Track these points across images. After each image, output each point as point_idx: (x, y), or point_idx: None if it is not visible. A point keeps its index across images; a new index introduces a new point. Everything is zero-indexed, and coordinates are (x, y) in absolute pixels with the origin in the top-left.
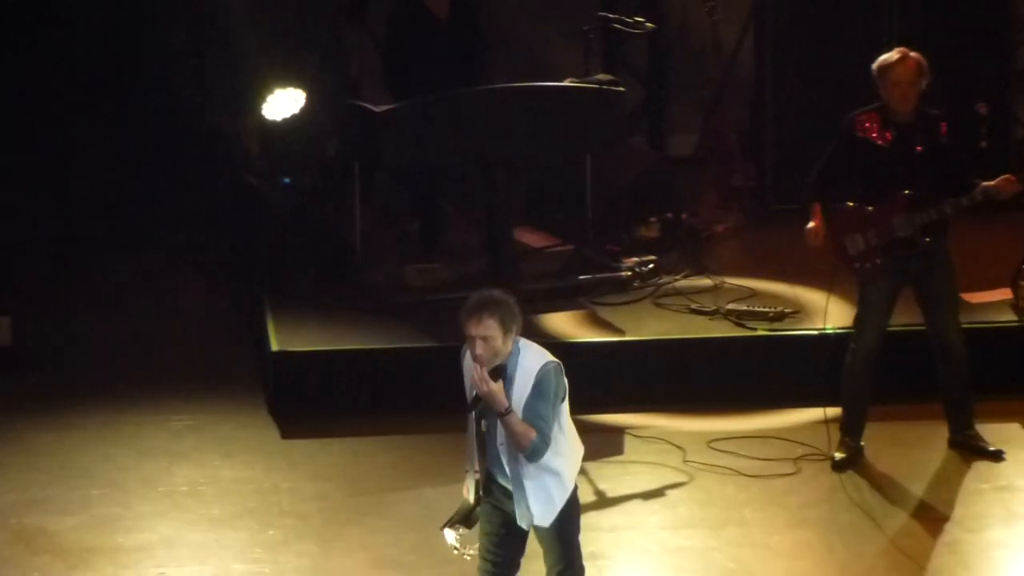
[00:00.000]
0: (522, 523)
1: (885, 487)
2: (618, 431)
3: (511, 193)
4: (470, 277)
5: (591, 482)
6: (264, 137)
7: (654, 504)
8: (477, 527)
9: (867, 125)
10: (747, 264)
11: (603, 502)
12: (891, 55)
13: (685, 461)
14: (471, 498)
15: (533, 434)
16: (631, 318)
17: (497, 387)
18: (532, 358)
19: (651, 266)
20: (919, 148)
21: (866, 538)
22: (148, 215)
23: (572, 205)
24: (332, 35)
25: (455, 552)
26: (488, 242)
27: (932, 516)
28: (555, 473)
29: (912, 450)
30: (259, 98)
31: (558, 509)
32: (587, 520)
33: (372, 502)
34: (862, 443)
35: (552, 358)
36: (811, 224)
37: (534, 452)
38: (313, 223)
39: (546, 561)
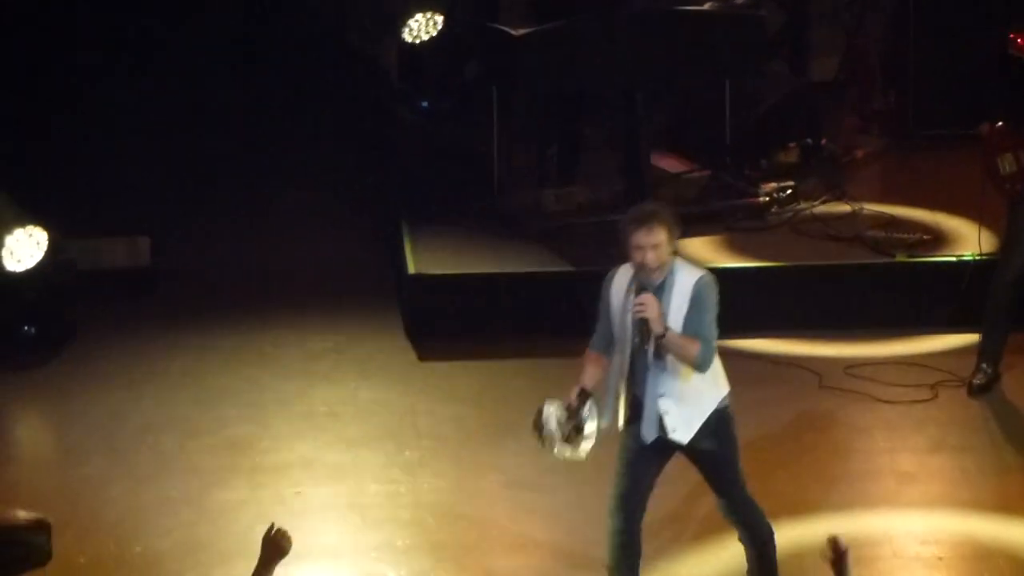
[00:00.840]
0: (676, 436)
1: (1020, 414)
2: (755, 357)
3: (651, 117)
4: (608, 202)
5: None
6: (404, 60)
7: (787, 430)
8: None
9: (1022, 43)
10: (887, 190)
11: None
12: None
13: (821, 386)
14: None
15: (697, 346)
16: (769, 244)
17: (658, 310)
18: (687, 273)
19: (789, 192)
20: None
21: (1000, 464)
22: (290, 141)
23: (711, 130)
24: None
25: (545, 438)
26: (626, 167)
27: None
28: (702, 391)
29: None
30: (399, 21)
31: (702, 422)
32: None
33: (508, 425)
34: (1000, 369)
35: (706, 271)
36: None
37: (702, 362)
38: (452, 147)
39: (713, 490)
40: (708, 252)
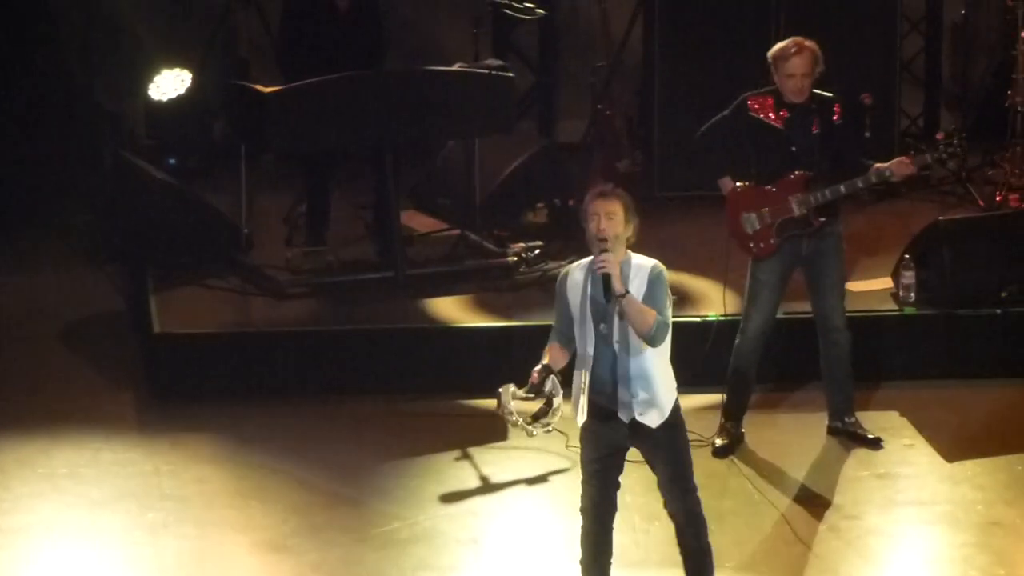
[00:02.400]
0: (646, 420)
1: (766, 473)
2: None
3: (399, 177)
4: (357, 261)
5: (474, 467)
6: (150, 118)
7: (537, 489)
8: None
9: (761, 106)
10: (634, 250)
11: (485, 487)
12: (788, 46)
13: (568, 446)
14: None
15: (653, 316)
16: (518, 303)
17: (618, 269)
18: (643, 260)
19: (538, 251)
20: (815, 129)
21: (749, 523)
22: (32, 195)
23: (460, 190)
24: (221, 15)
25: (509, 417)
26: (376, 226)
27: (813, 502)
28: (663, 375)
29: (792, 436)
30: (146, 78)
31: (667, 412)
32: (467, 505)
33: (253, 486)
34: (743, 429)
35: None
36: (735, 199)
37: (657, 333)
38: (198, 205)
39: (661, 483)
40: (457, 312)
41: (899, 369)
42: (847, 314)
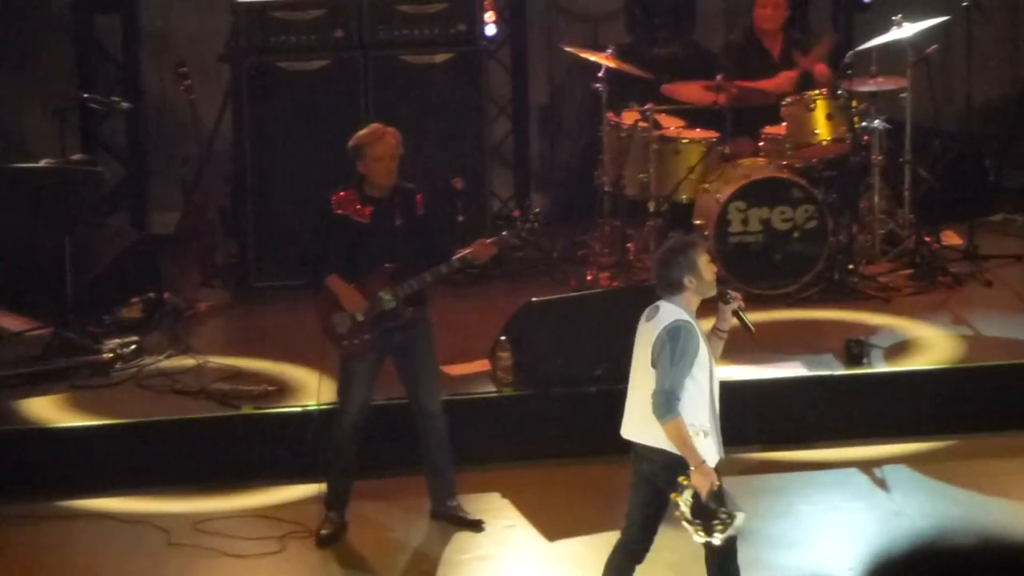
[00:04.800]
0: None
1: (369, 560)
2: (99, 516)
3: None
4: None
5: None
6: None
7: None
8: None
9: (345, 203)
10: (231, 342)
11: None
12: (370, 132)
13: (170, 544)
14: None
15: None
16: (114, 401)
17: None
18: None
19: (134, 347)
20: (398, 221)
21: None
22: None
23: (53, 286)
24: None
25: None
26: None
27: None
28: None
29: (396, 523)
30: None
31: None
32: None
33: None
34: (346, 518)
35: None
36: (347, 293)
37: None
38: None
39: None
40: (52, 411)
41: (499, 450)
42: (444, 398)
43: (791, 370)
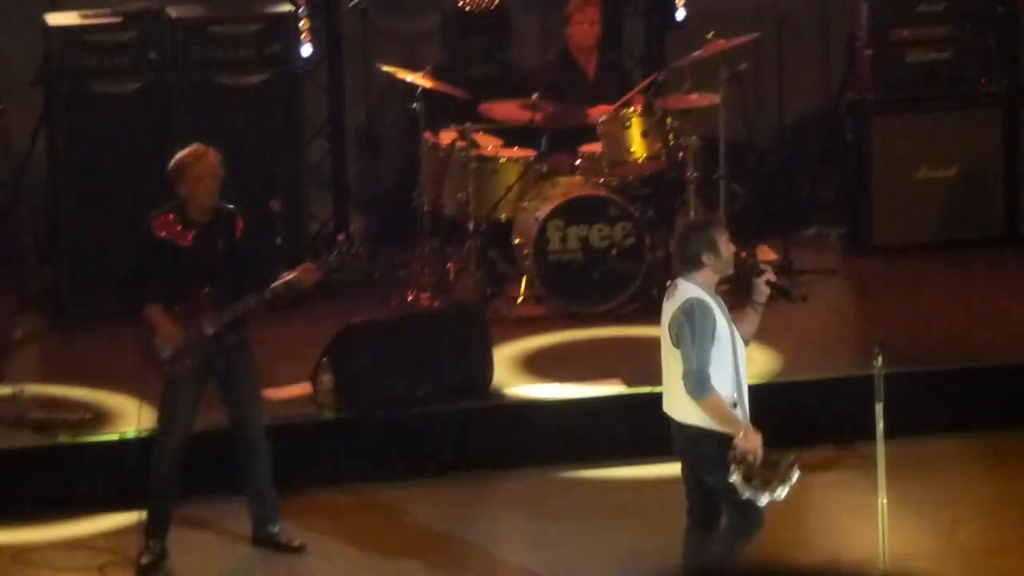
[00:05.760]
0: None
1: None
2: None
3: None
4: None
5: None
6: None
7: None
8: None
9: (167, 226)
10: (48, 370)
11: None
12: (191, 152)
13: None
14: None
15: None
16: None
17: None
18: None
19: None
20: (219, 246)
21: None
22: None
23: None
24: None
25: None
26: None
27: None
28: None
29: (217, 550)
30: None
31: None
32: None
33: None
34: (167, 546)
35: None
36: (163, 325)
37: None
38: None
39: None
40: None
41: (322, 474)
42: (266, 422)
43: (612, 388)
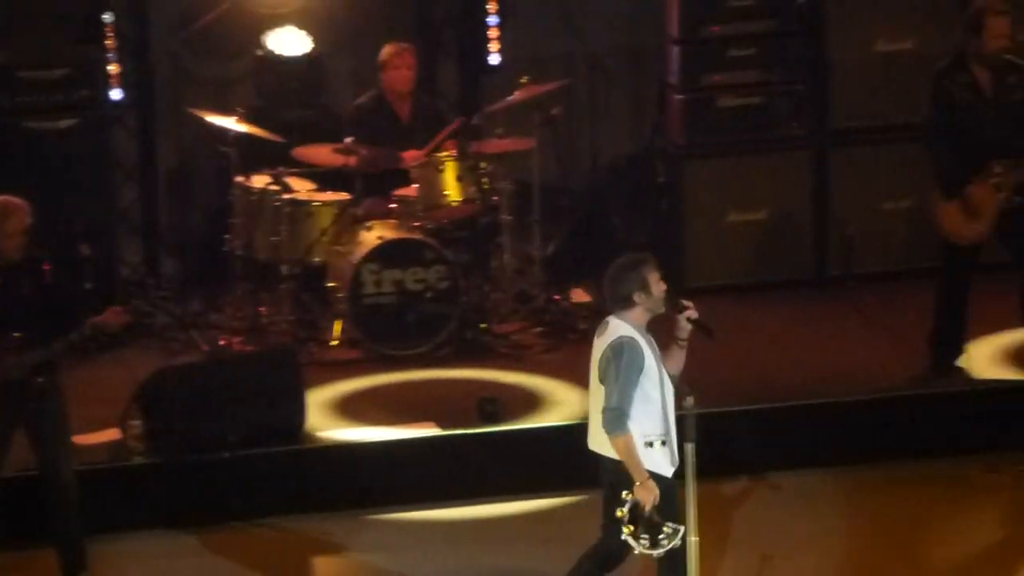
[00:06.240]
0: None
1: None
2: None
3: None
4: None
5: None
6: None
7: None
8: None
9: None
10: None
11: None
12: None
13: None
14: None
15: None
16: None
17: None
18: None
19: None
20: (25, 291)
21: None
22: None
23: None
24: None
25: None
26: None
27: None
28: None
29: None
30: None
31: None
32: None
33: None
34: None
35: None
36: None
37: None
38: None
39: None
40: None
41: (131, 520)
42: (75, 468)
43: (425, 430)
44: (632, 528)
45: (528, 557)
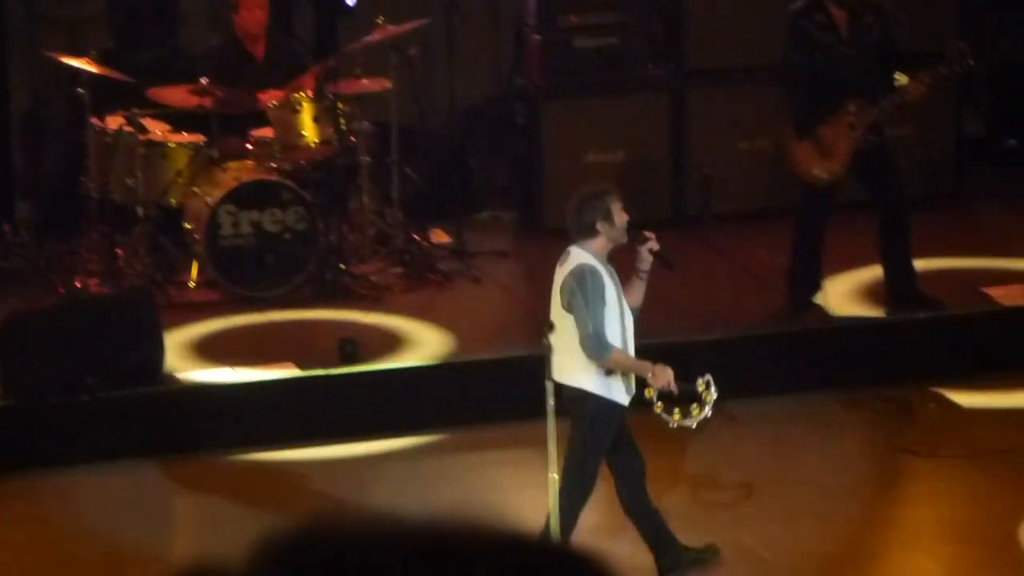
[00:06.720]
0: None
1: None
2: None
3: None
4: None
5: None
6: None
7: None
8: None
9: None
10: None
11: None
12: None
13: None
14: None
15: None
16: None
17: None
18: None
19: None
20: None
21: None
22: None
23: None
24: None
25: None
26: None
27: None
28: None
29: None
30: None
31: None
32: None
33: None
34: None
35: None
36: None
37: None
38: None
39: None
40: None
41: None
42: None
43: (284, 371)
44: (673, 412)
45: (385, 496)
